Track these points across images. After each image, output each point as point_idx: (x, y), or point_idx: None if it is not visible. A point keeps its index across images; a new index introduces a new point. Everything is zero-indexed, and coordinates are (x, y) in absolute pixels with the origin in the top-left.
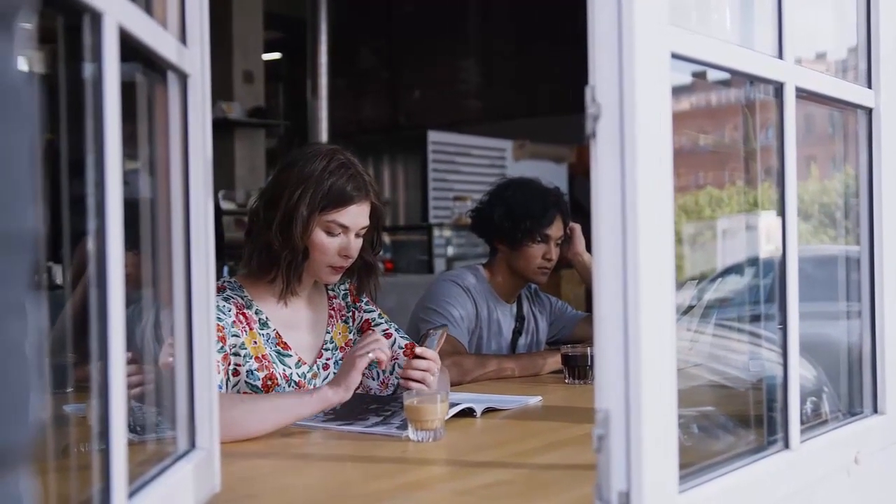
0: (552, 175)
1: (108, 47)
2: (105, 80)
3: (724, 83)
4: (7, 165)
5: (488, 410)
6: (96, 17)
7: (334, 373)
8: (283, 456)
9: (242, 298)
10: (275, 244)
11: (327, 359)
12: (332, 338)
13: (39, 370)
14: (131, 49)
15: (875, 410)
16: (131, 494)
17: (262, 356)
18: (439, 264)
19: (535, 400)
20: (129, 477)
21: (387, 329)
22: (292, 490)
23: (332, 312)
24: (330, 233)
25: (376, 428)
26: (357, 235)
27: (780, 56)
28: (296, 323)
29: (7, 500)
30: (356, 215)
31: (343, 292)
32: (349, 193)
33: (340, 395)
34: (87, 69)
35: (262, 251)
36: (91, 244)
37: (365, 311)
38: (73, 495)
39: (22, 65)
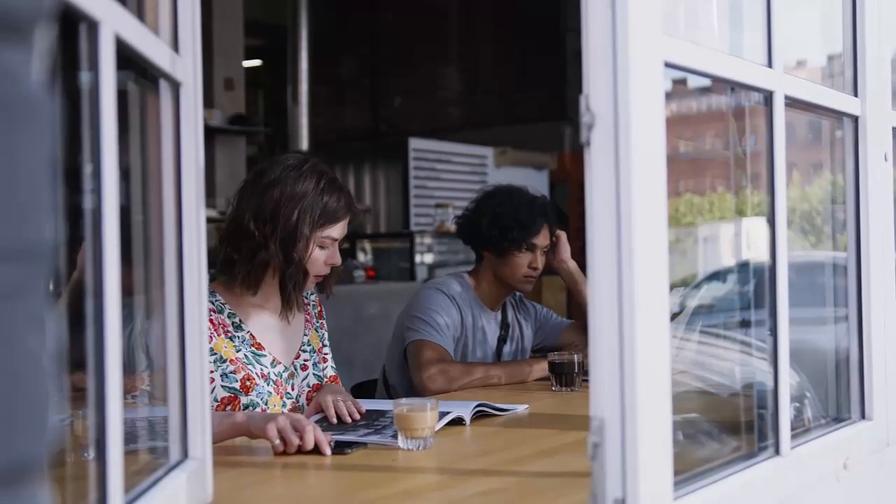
0: (533, 182)
1: (105, 56)
2: (101, 88)
3: (705, 90)
4: (27, 176)
5: (478, 415)
6: (93, 26)
7: (313, 373)
8: (274, 466)
9: (213, 303)
10: (276, 263)
11: (305, 360)
12: (308, 340)
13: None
14: (125, 57)
15: (863, 416)
16: None
17: (236, 358)
18: (421, 272)
19: (522, 408)
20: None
21: (327, 353)
22: (284, 500)
23: (308, 317)
24: (322, 247)
25: (369, 437)
26: (339, 245)
27: (770, 65)
28: (271, 326)
29: None
30: (344, 227)
31: (312, 302)
32: (342, 210)
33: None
34: (83, 77)
35: (259, 268)
36: (87, 252)
37: (325, 329)
38: None
39: (39, 76)
